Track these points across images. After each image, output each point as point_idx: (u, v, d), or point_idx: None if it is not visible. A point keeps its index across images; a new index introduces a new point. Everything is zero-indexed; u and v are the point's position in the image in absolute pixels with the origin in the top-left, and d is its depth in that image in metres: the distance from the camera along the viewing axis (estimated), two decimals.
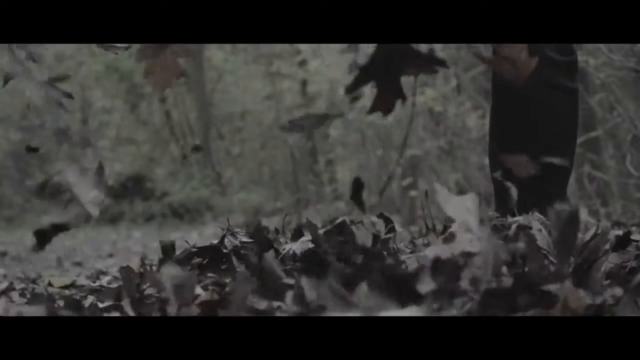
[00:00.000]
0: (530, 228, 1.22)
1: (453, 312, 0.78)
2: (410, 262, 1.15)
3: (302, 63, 10.20)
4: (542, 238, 1.19)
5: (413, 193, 6.62)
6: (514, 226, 1.23)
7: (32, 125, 13.25)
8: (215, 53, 11.99)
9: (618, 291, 0.86)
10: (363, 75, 0.79)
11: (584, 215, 0.91)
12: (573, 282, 0.87)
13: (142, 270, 1.25)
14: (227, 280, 1.16)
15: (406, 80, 0.93)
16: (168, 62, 1.19)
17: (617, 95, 3.86)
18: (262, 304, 0.91)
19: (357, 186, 0.83)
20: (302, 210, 8.41)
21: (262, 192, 10.63)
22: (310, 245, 1.29)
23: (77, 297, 1.26)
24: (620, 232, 1.37)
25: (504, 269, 0.88)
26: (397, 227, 1.37)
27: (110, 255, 4.93)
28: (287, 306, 0.88)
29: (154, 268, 1.28)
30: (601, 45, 3.50)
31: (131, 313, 0.99)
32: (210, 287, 1.06)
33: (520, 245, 0.87)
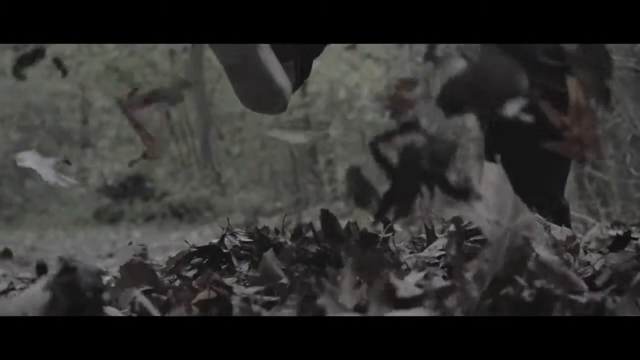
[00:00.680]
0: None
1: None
2: (411, 263, 1.15)
3: None
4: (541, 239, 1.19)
5: None
6: None
7: (32, 125, 13.27)
8: None
9: (618, 291, 0.86)
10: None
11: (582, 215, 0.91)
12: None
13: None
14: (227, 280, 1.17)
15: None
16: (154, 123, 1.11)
17: (616, 95, 3.87)
18: (262, 304, 0.91)
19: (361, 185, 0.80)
20: (302, 210, 8.42)
21: (262, 192, 10.63)
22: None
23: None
24: (620, 232, 1.37)
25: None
26: (397, 227, 1.37)
27: (110, 255, 4.93)
28: (286, 306, 0.88)
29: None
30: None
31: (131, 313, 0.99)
32: (209, 287, 1.06)
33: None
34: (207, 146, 12.08)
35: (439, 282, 0.93)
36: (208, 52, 11.64)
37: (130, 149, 13.07)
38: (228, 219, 1.46)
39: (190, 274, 1.30)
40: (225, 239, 1.35)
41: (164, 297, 1.01)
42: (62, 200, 12.98)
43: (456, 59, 0.72)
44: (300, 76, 1.30)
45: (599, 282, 0.89)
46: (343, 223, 1.29)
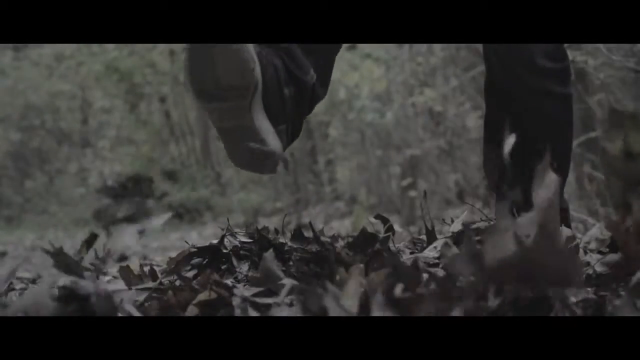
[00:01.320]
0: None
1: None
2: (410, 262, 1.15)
3: None
4: None
5: (413, 193, 6.62)
6: None
7: (32, 125, 13.27)
8: None
9: (617, 291, 0.86)
10: None
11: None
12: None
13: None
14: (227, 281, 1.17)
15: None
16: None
17: (616, 95, 3.86)
18: (262, 304, 0.91)
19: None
20: (302, 210, 8.41)
21: (261, 192, 10.62)
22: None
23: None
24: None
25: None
26: (397, 228, 1.37)
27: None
28: (286, 306, 0.88)
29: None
30: (601, 45, 3.50)
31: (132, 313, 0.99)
32: (210, 288, 1.06)
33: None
34: (207, 146, 12.07)
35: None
36: None
37: (130, 149, 13.08)
38: (228, 219, 1.46)
39: (190, 274, 1.30)
40: (225, 240, 1.35)
41: (164, 297, 1.01)
42: (62, 200, 12.97)
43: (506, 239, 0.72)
44: (291, 138, 1.34)
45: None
46: (343, 223, 1.29)
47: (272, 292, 0.99)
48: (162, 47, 11.80)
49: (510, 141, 0.91)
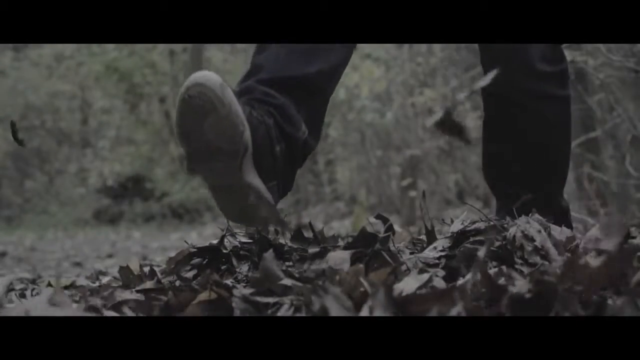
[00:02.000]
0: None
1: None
2: (411, 263, 1.15)
3: None
4: (542, 239, 1.19)
5: (412, 193, 6.62)
6: (512, 228, 1.23)
7: (32, 125, 13.27)
8: (215, 53, 11.99)
9: (617, 292, 0.86)
10: None
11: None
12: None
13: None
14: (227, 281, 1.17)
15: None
16: None
17: (616, 95, 3.86)
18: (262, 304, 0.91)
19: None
20: (301, 211, 8.41)
21: None
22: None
23: (77, 298, 1.26)
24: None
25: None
26: (397, 228, 1.37)
27: (110, 256, 4.92)
28: (286, 306, 0.88)
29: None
30: (600, 46, 3.50)
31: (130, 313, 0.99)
32: (210, 288, 1.06)
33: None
34: None
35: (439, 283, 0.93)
36: (208, 52, 11.65)
37: (130, 149, 13.07)
38: (228, 220, 1.46)
39: (190, 274, 1.30)
40: (225, 240, 1.35)
41: (165, 298, 1.01)
42: (62, 200, 12.97)
43: None
44: (283, 192, 1.35)
45: None
46: (343, 223, 1.29)
47: (272, 292, 0.99)
48: (162, 47, 11.80)
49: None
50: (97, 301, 0.99)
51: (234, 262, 1.31)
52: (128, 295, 1.04)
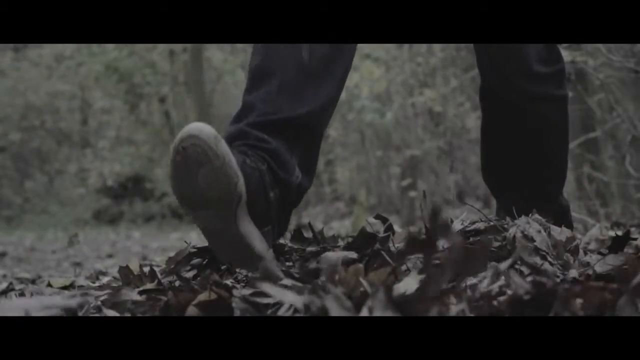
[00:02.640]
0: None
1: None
2: (411, 263, 1.15)
3: None
4: (542, 240, 1.19)
5: (412, 194, 6.62)
6: (512, 228, 1.23)
7: (32, 125, 13.27)
8: (215, 53, 11.99)
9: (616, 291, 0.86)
10: None
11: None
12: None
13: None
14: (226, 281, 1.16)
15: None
16: None
17: (616, 95, 3.86)
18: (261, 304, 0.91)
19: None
20: (301, 211, 8.41)
21: None
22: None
23: (77, 298, 1.26)
24: (620, 233, 1.37)
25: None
26: (397, 228, 1.37)
27: (110, 256, 4.92)
28: (286, 306, 0.88)
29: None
30: (600, 46, 3.50)
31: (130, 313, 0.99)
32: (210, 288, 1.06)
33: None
34: None
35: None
36: (208, 52, 11.65)
37: (130, 149, 13.08)
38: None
39: (190, 274, 1.30)
40: None
41: (164, 298, 1.00)
42: (62, 200, 12.97)
43: None
44: (278, 234, 1.36)
45: None
46: (343, 223, 1.29)
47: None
48: (162, 47, 11.80)
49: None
50: (97, 301, 0.99)
51: None
52: (128, 295, 1.04)
